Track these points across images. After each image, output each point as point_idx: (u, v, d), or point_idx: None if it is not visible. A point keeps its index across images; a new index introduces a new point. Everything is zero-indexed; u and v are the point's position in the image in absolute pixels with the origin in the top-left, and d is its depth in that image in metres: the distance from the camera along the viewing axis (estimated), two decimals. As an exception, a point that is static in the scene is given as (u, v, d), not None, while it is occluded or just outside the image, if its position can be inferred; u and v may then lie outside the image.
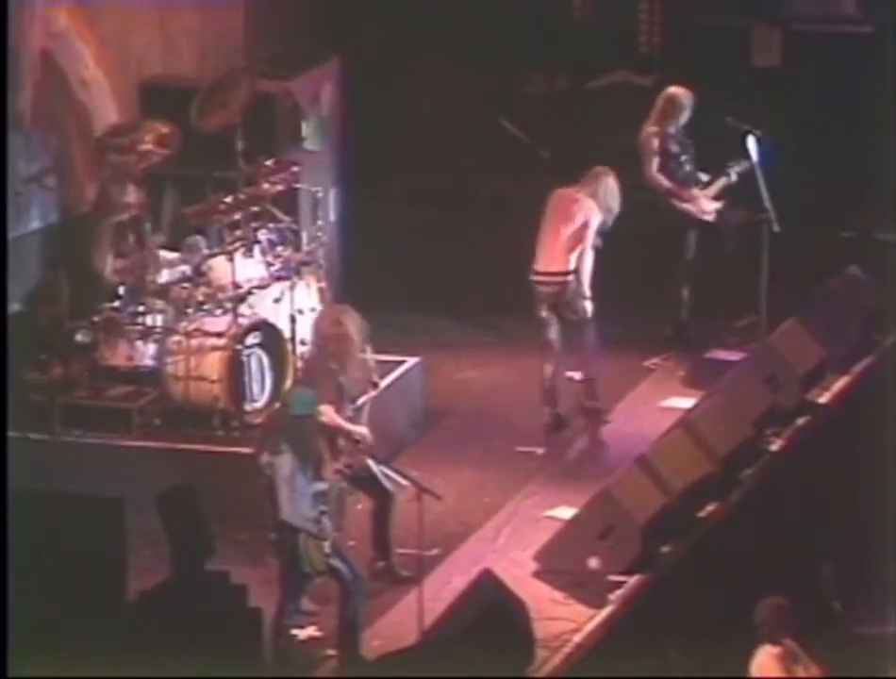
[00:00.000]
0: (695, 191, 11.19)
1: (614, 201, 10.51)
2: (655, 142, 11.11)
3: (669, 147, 11.14)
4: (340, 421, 8.85)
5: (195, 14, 11.48)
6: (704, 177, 11.24)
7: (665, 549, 9.33)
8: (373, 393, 9.15)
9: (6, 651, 7.09)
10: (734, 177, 11.15)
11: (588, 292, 10.40)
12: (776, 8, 12.85)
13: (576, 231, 10.51)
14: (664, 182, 11.16)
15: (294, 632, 8.62)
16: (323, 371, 8.94)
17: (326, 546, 8.38)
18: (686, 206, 11.20)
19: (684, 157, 11.19)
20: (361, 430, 8.92)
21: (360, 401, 9.08)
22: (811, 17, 12.79)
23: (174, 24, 11.35)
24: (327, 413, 8.81)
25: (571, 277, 10.44)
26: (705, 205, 11.20)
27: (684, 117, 11.14)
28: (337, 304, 9.40)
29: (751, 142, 11.10)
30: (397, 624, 8.76)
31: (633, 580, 9.11)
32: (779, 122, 11.38)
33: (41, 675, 7.09)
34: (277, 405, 9.56)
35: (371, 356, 9.15)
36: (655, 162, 11.12)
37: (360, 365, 9.01)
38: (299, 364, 9.98)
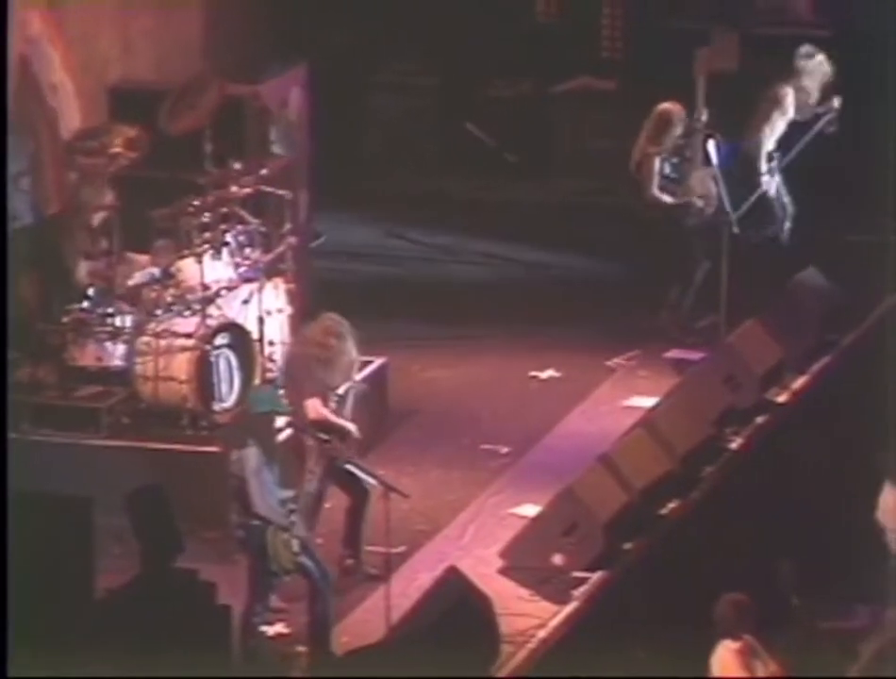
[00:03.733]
0: (689, 199, 11.06)
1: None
2: (656, 164, 11.02)
3: (663, 168, 11.06)
4: (327, 413, 8.81)
5: (153, 16, 11.44)
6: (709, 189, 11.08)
7: (627, 546, 9.30)
8: (352, 384, 9.12)
9: (5, 651, 7.01)
10: (772, 191, 11.08)
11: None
12: (734, 13, 12.86)
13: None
14: (665, 200, 11.06)
15: (263, 629, 8.56)
16: (306, 368, 8.90)
17: (295, 544, 8.34)
18: (688, 209, 11.06)
19: (675, 176, 11.09)
20: (349, 425, 8.87)
21: (340, 391, 9.04)
22: (769, 21, 12.81)
23: (133, 25, 11.32)
24: (314, 407, 8.77)
25: None
26: (695, 202, 11.09)
27: (677, 132, 11.07)
28: (330, 314, 9.33)
29: (711, 146, 11.09)
30: (365, 621, 8.72)
31: (596, 576, 9.08)
32: (737, 125, 11.38)
33: (41, 675, 7.02)
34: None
35: (356, 358, 9.10)
36: (656, 182, 11.04)
37: (345, 367, 8.97)
38: (267, 364, 9.95)
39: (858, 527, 9.81)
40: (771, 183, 11.44)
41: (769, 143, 11.45)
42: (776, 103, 11.41)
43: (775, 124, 11.43)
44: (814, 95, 11.45)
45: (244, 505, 8.38)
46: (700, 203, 11.13)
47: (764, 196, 11.41)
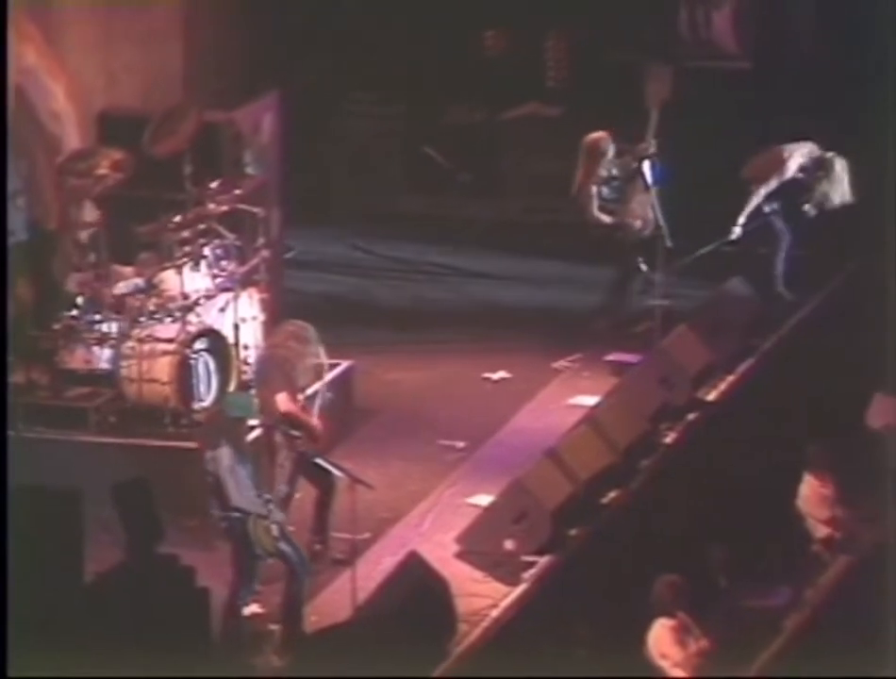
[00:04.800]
0: (627, 220, 11.09)
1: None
2: (593, 190, 11.04)
3: (601, 192, 11.07)
4: (295, 408, 8.79)
5: (137, 50, 11.41)
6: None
7: (572, 532, 9.28)
8: (320, 385, 9.09)
9: (5, 650, 6.91)
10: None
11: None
12: (668, 47, 12.90)
13: None
14: (605, 220, 11.08)
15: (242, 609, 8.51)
16: (274, 368, 8.89)
17: (274, 529, 8.29)
18: (626, 229, 11.07)
19: (615, 196, 11.09)
20: (314, 421, 8.85)
21: (310, 391, 9.03)
22: (698, 55, 12.86)
23: (119, 58, 11.30)
24: (283, 401, 8.74)
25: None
26: (633, 223, 11.09)
27: (609, 156, 11.06)
28: (295, 321, 9.33)
29: (646, 167, 11.10)
30: (332, 602, 8.67)
31: (544, 560, 9.06)
32: (670, 148, 11.40)
33: (40, 675, 6.92)
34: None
35: (323, 360, 9.09)
36: (595, 206, 11.05)
37: (311, 367, 8.95)
38: (243, 367, 9.90)
39: (781, 514, 9.82)
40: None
41: (759, 199, 11.28)
42: (779, 164, 11.24)
43: (770, 185, 11.32)
44: (817, 190, 11.31)
45: (223, 499, 8.33)
46: (638, 224, 11.13)
47: (768, 220, 11.30)
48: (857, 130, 11.52)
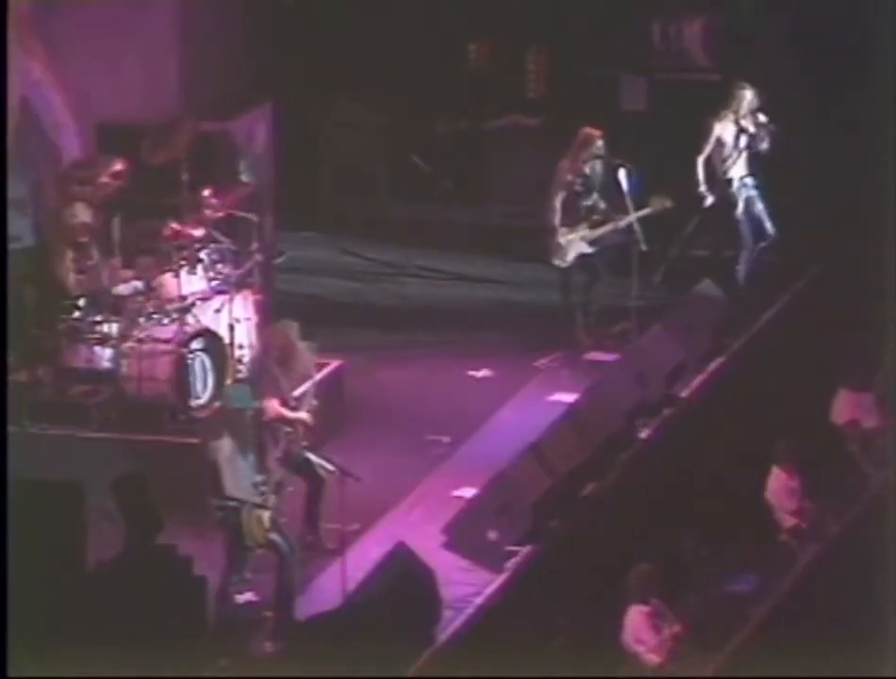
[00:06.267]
0: (561, 237, 11.01)
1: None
2: (567, 177, 10.97)
3: (574, 184, 11.04)
4: (284, 412, 8.81)
5: (138, 64, 11.42)
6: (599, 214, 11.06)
7: (553, 523, 9.30)
8: (309, 384, 9.08)
9: (5, 650, 6.90)
10: (621, 225, 11.03)
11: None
12: (642, 60, 12.94)
13: None
14: (553, 216, 10.99)
15: (236, 597, 8.50)
16: (266, 371, 8.91)
17: (266, 520, 8.29)
18: (548, 240, 11.06)
19: (583, 198, 11.02)
20: (304, 416, 8.85)
21: (299, 391, 9.04)
22: (670, 67, 12.89)
23: (117, 73, 11.31)
24: (272, 407, 8.76)
25: None
26: (563, 248, 11.03)
27: (596, 152, 11.01)
28: (284, 320, 9.34)
29: (622, 175, 11.11)
30: (323, 590, 8.68)
31: (525, 550, 9.08)
32: (645, 157, 11.41)
33: (41, 675, 6.91)
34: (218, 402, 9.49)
35: (311, 357, 9.08)
36: (560, 194, 10.98)
37: (301, 366, 8.94)
38: (238, 366, 9.92)
39: (750, 506, 9.85)
40: (741, 205, 11.38)
41: (701, 168, 11.31)
42: (702, 137, 11.35)
43: (705, 151, 11.34)
44: (738, 120, 11.37)
45: (217, 487, 8.33)
46: (589, 236, 11.06)
47: (732, 217, 11.33)
48: (823, 143, 11.55)
